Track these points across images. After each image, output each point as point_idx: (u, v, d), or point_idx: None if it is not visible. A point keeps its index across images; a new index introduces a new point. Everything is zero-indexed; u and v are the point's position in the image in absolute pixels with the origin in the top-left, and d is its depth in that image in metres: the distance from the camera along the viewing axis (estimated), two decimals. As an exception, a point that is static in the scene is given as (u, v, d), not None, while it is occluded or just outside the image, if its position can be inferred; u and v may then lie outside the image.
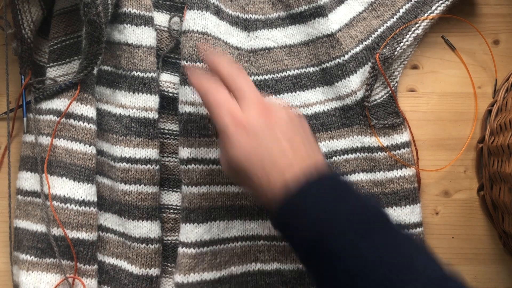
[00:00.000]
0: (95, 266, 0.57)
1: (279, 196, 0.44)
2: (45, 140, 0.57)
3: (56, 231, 0.55)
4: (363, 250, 0.40)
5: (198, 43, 0.56)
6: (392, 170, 0.59)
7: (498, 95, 0.62)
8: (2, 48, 0.60)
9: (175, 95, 0.60)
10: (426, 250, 0.42)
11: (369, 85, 0.59)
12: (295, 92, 0.61)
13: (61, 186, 0.56)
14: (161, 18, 0.61)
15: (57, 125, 0.56)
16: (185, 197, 0.57)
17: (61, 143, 0.56)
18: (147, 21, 0.58)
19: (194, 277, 0.56)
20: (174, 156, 0.60)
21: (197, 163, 0.57)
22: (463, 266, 0.60)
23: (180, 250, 0.56)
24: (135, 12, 0.58)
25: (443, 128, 0.63)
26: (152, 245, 0.57)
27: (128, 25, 0.58)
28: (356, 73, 0.60)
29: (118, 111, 0.58)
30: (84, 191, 0.56)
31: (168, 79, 0.60)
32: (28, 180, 0.57)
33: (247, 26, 0.61)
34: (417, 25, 0.61)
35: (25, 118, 0.58)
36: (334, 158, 0.60)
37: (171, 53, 0.61)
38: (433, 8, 0.61)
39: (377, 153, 0.59)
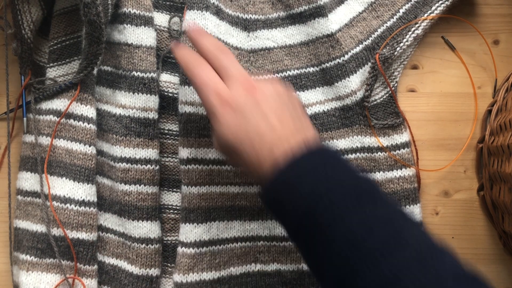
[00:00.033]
0: (95, 266, 0.57)
1: (268, 172, 0.44)
2: (45, 140, 0.57)
3: (56, 231, 0.55)
4: (351, 222, 0.39)
5: (187, 24, 0.55)
6: (392, 170, 0.59)
7: (498, 95, 0.62)
8: (2, 48, 0.60)
9: (175, 95, 0.60)
10: (415, 223, 0.41)
11: (369, 85, 0.59)
12: (295, 92, 0.61)
13: (61, 186, 0.56)
14: (161, 18, 0.61)
15: (57, 125, 0.56)
16: (185, 197, 0.57)
17: (61, 143, 0.56)
18: (147, 21, 0.58)
19: (193, 277, 0.56)
20: (174, 156, 0.60)
21: (197, 163, 0.57)
22: (463, 266, 0.60)
23: (180, 250, 0.56)
24: (135, 12, 0.58)
25: (443, 128, 0.63)
26: (152, 245, 0.57)
27: (128, 25, 0.58)
28: (356, 73, 0.60)
29: (118, 111, 0.58)
30: (84, 191, 0.56)
31: (168, 79, 0.60)
32: (28, 180, 0.57)
33: (247, 26, 0.61)
34: (417, 25, 0.61)
35: (25, 118, 0.58)
36: (334, 158, 0.60)
37: (171, 53, 0.61)
38: (433, 8, 0.61)
39: (377, 153, 0.59)
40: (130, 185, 0.57)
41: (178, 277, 0.56)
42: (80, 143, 0.56)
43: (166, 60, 0.61)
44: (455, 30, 0.64)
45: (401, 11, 0.62)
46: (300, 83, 0.61)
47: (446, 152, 0.62)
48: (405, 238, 0.39)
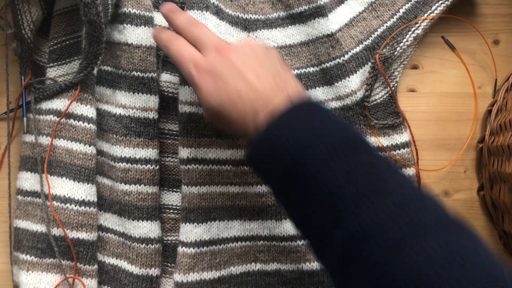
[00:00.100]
0: (95, 266, 0.57)
1: (253, 132, 0.44)
2: (45, 140, 0.57)
3: (56, 231, 0.55)
4: (334, 171, 0.39)
5: (163, 4, 0.56)
6: (392, 170, 0.59)
7: (498, 95, 0.62)
8: (2, 48, 0.60)
9: (175, 95, 0.60)
10: (400, 171, 0.41)
11: (369, 85, 0.59)
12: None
13: (61, 186, 0.56)
14: (161, 18, 0.61)
15: (57, 125, 0.56)
16: (185, 197, 0.57)
17: (61, 143, 0.56)
18: (147, 21, 0.58)
19: (193, 277, 0.56)
20: (174, 156, 0.60)
21: (197, 163, 0.57)
22: (463, 266, 0.60)
23: (180, 249, 0.56)
24: (135, 12, 0.58)
25: (443, 128, 0.63)
26: (152, 245, 0.57)
27: (128, 25, 0.58)
28: (356, 73, 0.60)
29: (118, 111, 0.58)
30: (84, 191, 0.56)
31: (168, 79, 0.60)
32: (28, 180, 0.57)
33: (247, 26, 0.61)
34: (417, 25, 0.61)
35: (25, 118, 0.58)
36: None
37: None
38: (433, 8, 0.61)
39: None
40: (130, 185, 0.57)
41: (178, 277, 0.56)
42: (80, 143, 0.56)
43: (166, 60, 0.61)
44: (455, 30, 0.64)
45: (401, 11, 0.62)
46: (300, 83, 0.61)
47: (446, 152, 0.62)
48: (388, 185, 0.38)
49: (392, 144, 0.60)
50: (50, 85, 0.58)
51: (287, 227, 0.58)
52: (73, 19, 0.59)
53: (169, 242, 0.59)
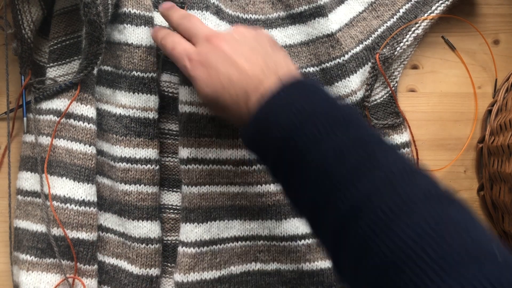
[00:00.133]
0: (95, 266, 0.57)
1: (247, 116, 0.45)
2: (45, 140, 0.57)
3: (56, 231, 0.55)
4: (323, 148, 0.39)
5: (162, 3, 0.56)
6: (392, 170, 0.59)
7: (498, 95, 0.62)
8: (2, 48, 0.60)
9: (175, 95, 0.60)
10: (391, 146, 0.40)
11: (369, 85, 0.59)
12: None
13: (61, 186, 0.56)
14: (161, 18, 0.61)
15: (57, 125, 0.56)
16: (185, 197, 0.57)
17: (61, 143, 0.56)
18: (147, 21, 0.58)
19: (194, 277, 0.56)
20: (174, 156, 0.60)
21: (197, 163, 0.57)
22: (463, 266, 0.60)
23: (180, 249, 0.56)
24: (135, 12, 0.58)
25: (443, 128, 0.63)
26: (152, 245, 0.57)
27: (128, 25, 0.58)
28: (356, 73, 0.60)
29: (118, 111, 0.58)
30: (84, 191, 0.56)
31: (168, 79, 0.60)
32: (28, 180, 0.57)
33: (247, 26, 0.61)
34: (417, 25, 0.61)
35: (25, 118, 0.58)
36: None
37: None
38: (433, 8, 0.61)
39: (377, 153, 0.59)
40: (130, 185, 0.57)
41: (179, 277, 0.56)
42: (80, 143, 0.56)
43: (166, 60, 0.60)
44: (455, 30, 0.64)
45: (401, 11, 0.62)
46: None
47: (446, 152, 0.62)
48: (377, 160, 0.38)
49: (392, 144, 0.60)
50: (50, 85, 0.58)
51: (287, 227, 0.58)
52: (73, 19, 0.59)
53: (169, 242, 0.59)
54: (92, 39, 0.55)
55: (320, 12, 0.60)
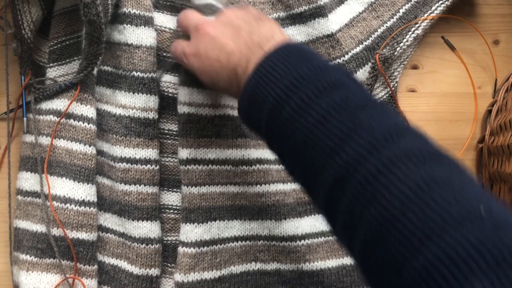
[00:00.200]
0: (95, 266, 0.57)
1: (239, 92, 0.46)
2: (45, 140, 0.57)
3: (56, 231, 0.55)
4: (307, 116, 0.39)
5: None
6: (392, 170, 0.59)
7: (498, 95, 0.62)
8: (2, 48, 0.60)
9: (175, 95, 0.60)
10: (378, 107, 0.40)
11: (369, 85, 0.59)
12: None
13: (61, 186, 0.56)
14: (161, 19, 0.61)
15: (57, 125, 0.56)
16: (185, 197, 0.57)
17: (61, 143, 0.56)
18: (147, 22, 0.58)
19: (194, 277, 0.56)
20: (174, 156, 0.60)
21: (196, 163, 0.57)
22: (463, 266, 0.60)
23: (180, 249, 0.56)
24: (135, 13, 0.58)
25: (443, 128, 0.63)
26: (152, 245, 0.57)
27: (128, 25, 0.58)
28: (356, 73, 0.60)
29: (118, 111, 0.58)
30: (84, 191, 0.56)
31: (168, 79, 0.60)
32: (28, 180, 0.57)
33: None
34: (417, 25, 0.61)
35: (25, 118, 0.58)
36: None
37: (171, 54, 0.61)
38: (433, 8, 0.61)
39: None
40: (130, 185, 0.57)
41: (179, 277, 0.56)
42: (80, 143, 0.56)
43: (166, 61, 0.60)
44: (455, 30, 0.64)
45: (401, 11, 0.62)
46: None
47: (446, 152, 0.62)
48: (360, 126, 0.37)
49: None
50: (50, 85, 0.58)
51: (287, 227, 0.58)
52: (73, 19, 0.59)
53: (169, 242, 0.59)
54: (92, 39, 0.55)
55: (320, 12, 0.60)
